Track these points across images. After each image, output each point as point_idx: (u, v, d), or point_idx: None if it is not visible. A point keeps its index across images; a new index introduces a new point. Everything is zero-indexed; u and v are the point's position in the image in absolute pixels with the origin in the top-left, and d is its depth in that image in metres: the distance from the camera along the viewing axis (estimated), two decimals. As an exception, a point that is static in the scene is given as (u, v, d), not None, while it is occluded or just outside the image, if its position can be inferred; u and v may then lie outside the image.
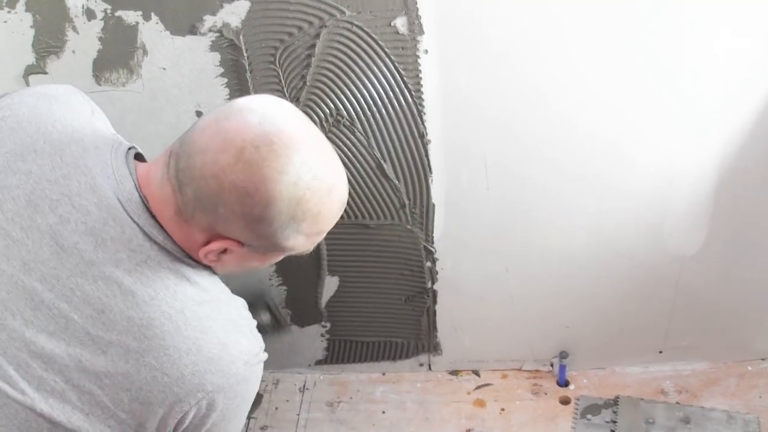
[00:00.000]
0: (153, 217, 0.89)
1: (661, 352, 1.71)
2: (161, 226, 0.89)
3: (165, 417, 0.90)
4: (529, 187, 1.45)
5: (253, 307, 1.51)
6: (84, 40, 1.32)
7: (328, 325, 1.74)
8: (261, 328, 1.51)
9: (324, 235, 0.95)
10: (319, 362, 1.83)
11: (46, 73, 1.36)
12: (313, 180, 0.86)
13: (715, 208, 1.46)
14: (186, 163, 0.86)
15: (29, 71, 1.36)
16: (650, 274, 1.58)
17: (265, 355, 1.00)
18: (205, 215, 0.86)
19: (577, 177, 1.43)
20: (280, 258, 0.98)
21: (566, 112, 1.34)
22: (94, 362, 0.86)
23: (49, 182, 0.88)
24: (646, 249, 1.53)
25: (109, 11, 1.28)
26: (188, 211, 0.87)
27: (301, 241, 0.91)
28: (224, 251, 0.90)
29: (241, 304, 1.00)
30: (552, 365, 1.75)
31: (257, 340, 0.99)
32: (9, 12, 1.30)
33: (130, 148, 0.95)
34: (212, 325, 0.91)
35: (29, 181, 0.87)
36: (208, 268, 0.96)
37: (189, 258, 0.92)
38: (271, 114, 0.87)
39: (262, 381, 1.76)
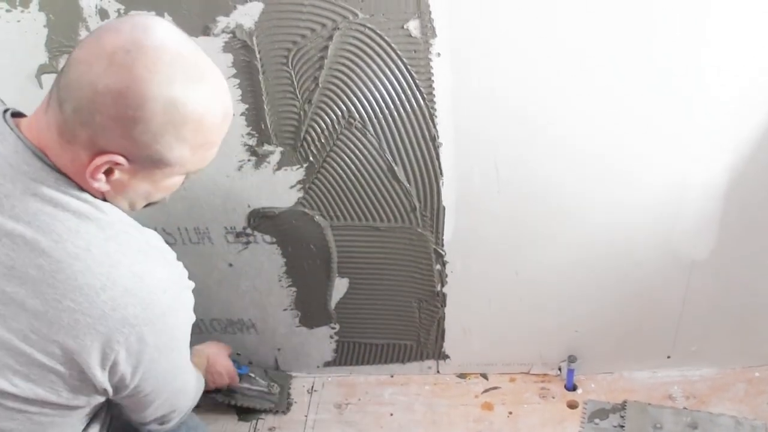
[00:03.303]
0: (43, 161, 0.89)
1: (669, 357, 1.70)
2: (53, 168, 0.90)
3: (101, 360, 0.91)
4: (541, 190, 1.45)
5: (273, 380, 1.75)
6: (97, 40, 1.32)
7: (337, 326, 1.74)
8: (263, 400, 1.74)
9: (213, 150, 0.95)
10: (327, 364, 1.83)
11: (59, 72, 1.36)
12: (189, 83, 0.87)
13: (725, 213, 1.46)
14: (65, 80, 0.87)
15: (42, 70, 1.36)
16: (660, 279, 1.58)
17: (189, 283, 1.00)
18: (84, 128, 0.86)
19: (589, 180, 1.43)
20: (173, 180, 0.97)
21: (580, 117, 1.34)
22: (18, 320, 0.88)
23: None
24: (656, 254, 1.53)
25: (122, 11, 1.28)
26: (69, 128, 0.87)
27: (186, 153, 0.91)
28: (111, 171, 0.90)
29: (151, 234, 0.99)
30: (560, 369, 1.74)
31: (175, 268, 0.99)
32: (23, 11, 1.30)
33: (6, 110, 0.95)
34: (122, 258, 0.91)
35: None
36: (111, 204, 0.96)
37: (87, 194, 0.92)
38: (143, 24, 0.88)
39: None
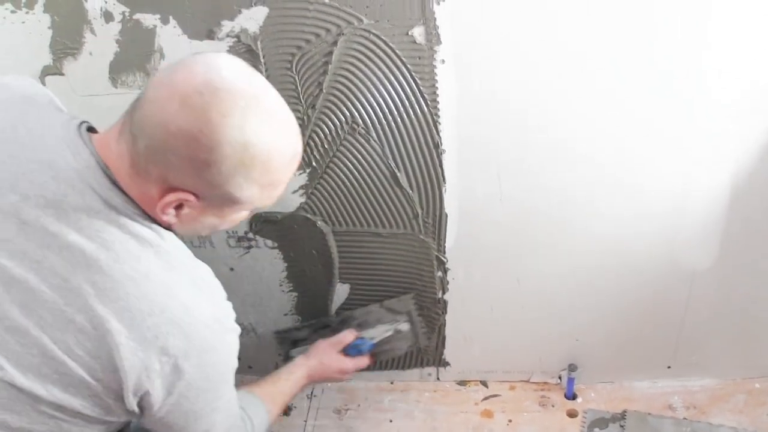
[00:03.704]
0: (113, 182, 0.91)
1: (669, 367, 1.70)
2: (121, 190, 0.91)
3: (136, 384, 0.91)
4: (543, 198, 1.45)
5: (395, 315, 1.58)
6: (101, 42, 1.32)
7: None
8: (397, 334, 1.60)
9: (280, 187, 0.97)
10: (327, 369, 1.83)
11: (62, 74, 1.36)
12: (260, 125, 0.88)
13: (728, 223, 1.46)
14: (138, 116, 0.88)
15: (46, 72, 1.36)
16: (661, 289, 1.57)
17: (234, 326, 1.01)
18: (157, 166, 0.88)
19: (591, 187, 1.42)
20: (240, 215, 0.99)
21: (581, 120, 1.33)
22: (64, 332, 0.88)
23: (6, 164, 0.90)
24: (657, 263, 1.53)
25: (127, 14, 1.29)
26: (141, 163, 0.89)
27: (255, 192, 0.93)
28: (181, 206, 0.92)
29: (205, 269, 1.01)
30: (560, 378, 1.74)
31: (222, 308, 1.00)
32: (27, 12, 1.31)
33: (82, 123, 0.97)
34: (175, 288, 0.93)
35: None
36: (171, 231, 0.98)
37: (151, 221, 0.94)
38: (216, 65, 0.89)
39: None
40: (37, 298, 0.88)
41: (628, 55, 1.24)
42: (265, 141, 0.89)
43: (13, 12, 1.31)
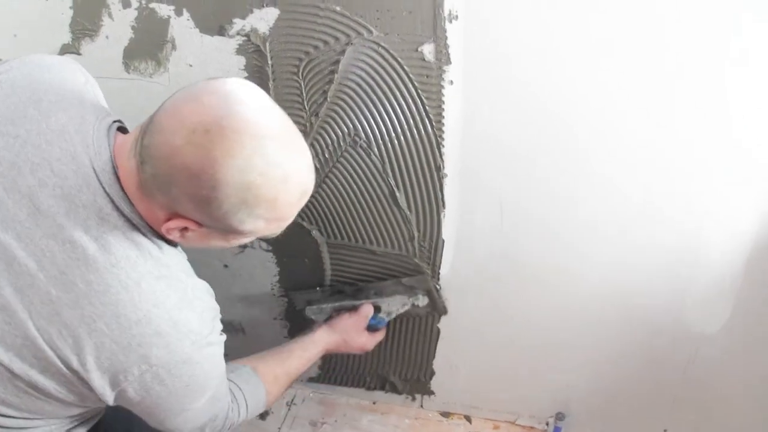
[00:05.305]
0: (124, 192, 0.92)
1: (666, 430, 1.61)
2: (130, 202, 0.92)
3: (111, 383, 0.93)
4: (545, 233, 1.39)
5: (413, 290, 1.51)
6: (118, 27, 1.33)
7: (326, 344, 1.71)
8: (414, 308, 1.52)
9: (288, 220, 0.96)
10: (311, 379, 1.81)
11: (80, 54, 1.37)
12: (266, 166, 0.86)
13: (743, 285, 1.37)
14: (148, 141, 0.88)
15: (64, 50, 1.38)
16: (662, 345, 1.50)
17: (218, 338, 1.01)
18: (162, 194, 0.88)
19: (596, 228, 1.36)
20: (247, 240, 0.99)
21: (593, 160, 1.28)
22: (50, 322, 0.90)
23: (33, 147, 0.91)
24: (662, 319, 1.46)
25: (143, 2, 1.29)
26: (148, 187, 0.89)
27: (260, 226, 0.92)
28: (185, 229, 0.92)
29: (201, 286, 1.02)
30: (547, 424, 1.68)
31: (210, 325, 1.00)
32: (50, -10, 1.33)
33: (115, 121, 0.98)
34: (166, 300, 0.94)
35: (15, 144, 0.91)
36: (174, 244, 0.99)
37: (154, 233, 0.95)
38: (230, 98, 0.87)
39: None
40: (32, 284, 0.89)
41: (643, 96, 1.19)
42: (272, 183, 0.87)
43: (37, -12, 1.34)
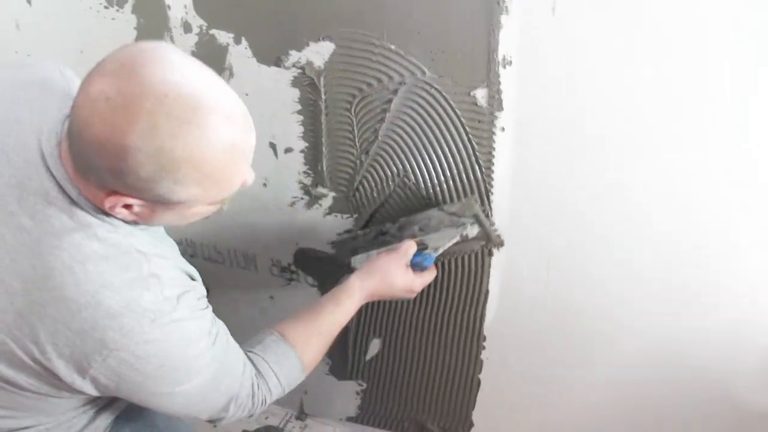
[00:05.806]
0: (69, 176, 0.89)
1: None
2: (75, 186, 0.89)
3: (78, 370, 0.90)
4: (594, 294, 1.31)
5: (461, 218, 1.32)
6: (179, 52, 1.35)
7: (365, 385, 1.67)
8: (464, 240, 1.32)
9: (232, 180, 0.88)
10: (350, 419, 1.76)
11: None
12: (174, 127, 0.79)
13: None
14: (69, 120, 0.85)
15: (128, 71, 1.40)
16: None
17: (188, 318, 0.95)
18: (91, 172, 0.84)
19: (650, 290, 1.27)
20: (206, 209, 0.92)
21: (648, 216, 1.20)
22: (5, 312, 0.88)
23: None
24: (709, 397, 1.34)
25: (204, 28, 1.31)
26: (80, 167, 0.86)
27: (196, 192, 0.85)
28: (129, 206, 0.87)
29: (160, 264, 0.94)
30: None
31: (174, 302, 0.94)
32: (118, 11, 1.36)
33: None
34: (114, 280, 0.89)
35: None
36: (132, 224, 0.94)
37: (105, 214, 0.90)
38: (129, 62, 0.80)
39: (288, 422, 1.74)
40: None
41: (704, 154, 1.11)
42: (185, 143, 0.80)
43: (106, 8, 1.37)
